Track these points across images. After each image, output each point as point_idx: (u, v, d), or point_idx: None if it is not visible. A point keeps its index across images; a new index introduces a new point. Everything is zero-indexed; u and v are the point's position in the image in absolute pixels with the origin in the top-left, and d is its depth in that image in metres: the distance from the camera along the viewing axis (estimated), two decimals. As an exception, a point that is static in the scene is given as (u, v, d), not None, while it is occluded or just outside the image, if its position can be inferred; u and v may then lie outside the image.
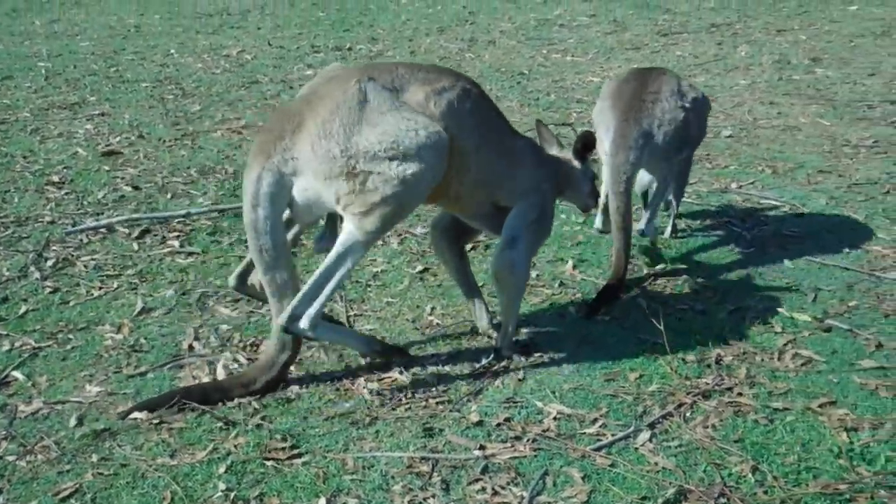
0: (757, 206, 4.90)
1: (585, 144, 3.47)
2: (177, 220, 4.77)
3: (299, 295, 3.06)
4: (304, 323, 3.06)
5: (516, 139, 3.37)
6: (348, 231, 3.02)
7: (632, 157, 4.00)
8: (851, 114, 6.51)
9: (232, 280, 3.46)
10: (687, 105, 4.13)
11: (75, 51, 8.73)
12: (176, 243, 4.50)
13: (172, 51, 8.69)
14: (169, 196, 5.08)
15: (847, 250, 4.35)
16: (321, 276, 3.05)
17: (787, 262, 4.23)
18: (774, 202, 4.97)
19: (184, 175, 5.39)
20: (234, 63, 8.17)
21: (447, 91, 3.09)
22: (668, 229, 4.59)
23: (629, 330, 3.68)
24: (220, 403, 3.17)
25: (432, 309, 3.85)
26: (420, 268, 4.21)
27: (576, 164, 3.52)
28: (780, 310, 3.78)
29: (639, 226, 4.24)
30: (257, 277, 3.25)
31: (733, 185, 5.21)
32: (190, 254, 4.40)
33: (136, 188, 5.18)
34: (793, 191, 5.09)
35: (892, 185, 5.14)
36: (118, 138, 6.06)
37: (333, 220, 3.26)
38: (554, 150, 3.56)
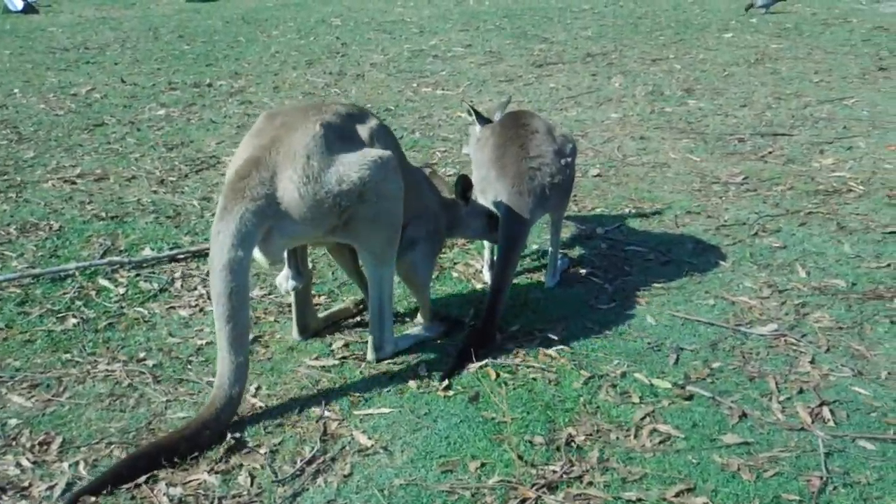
0: (621, 254, 4.60)
1: (464, 187, 3.95)
2: (-21, 290, 4.18)
3: (371, 329, 3.56)
4: (388, 347, 3.58)
5: (416, 170, 3.89)
6: (367, 262, 3.44)
7: (527, 226, 4.07)
8: (722, 148, 6.30)
9: (296, 335, 3.78)
10: (568, 160, 4.22)
11: None
12: (-27, 318, 3.93)
13: (16, 90, 8.07)
14: (-21, 260, 4.50)
15: (712, 302, 4.07)
16: (375, 307, 3.50)
17: (649, 319, 3.92)
18: (640, 248, 4.65)
19: (1, 233, 4.81)
20: (82, 103, 7.59)
21: (375, 126, 3.44)
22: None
23: (473, 405, 3.31)
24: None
25: (256, 390, 3.39)
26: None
27: (462, 207, 3.98)
28: (638, 376, 3.47)
29: (547, 283, 4.34)
30: (313, 322, 3.79)
31: (598, 231, 4.91)
32: (-10, 330, 3.83)
33: (-60, 252, 4.58)
34: (660, 235, 4.81)
35: (760, 225, 4.91)
36: (-66, 192, 5.42)
37: (294, 257, 3.56)
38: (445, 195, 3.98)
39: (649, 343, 3.72)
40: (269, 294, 4.22)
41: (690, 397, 3.33)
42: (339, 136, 3.23)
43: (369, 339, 3.61)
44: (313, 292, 4.07)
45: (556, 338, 3.79)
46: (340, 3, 13.41)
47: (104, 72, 8.85)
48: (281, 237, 3.20)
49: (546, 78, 8.53)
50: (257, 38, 10.76)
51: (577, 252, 4.67)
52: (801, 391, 3.38)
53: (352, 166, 3.18)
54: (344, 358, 3.64)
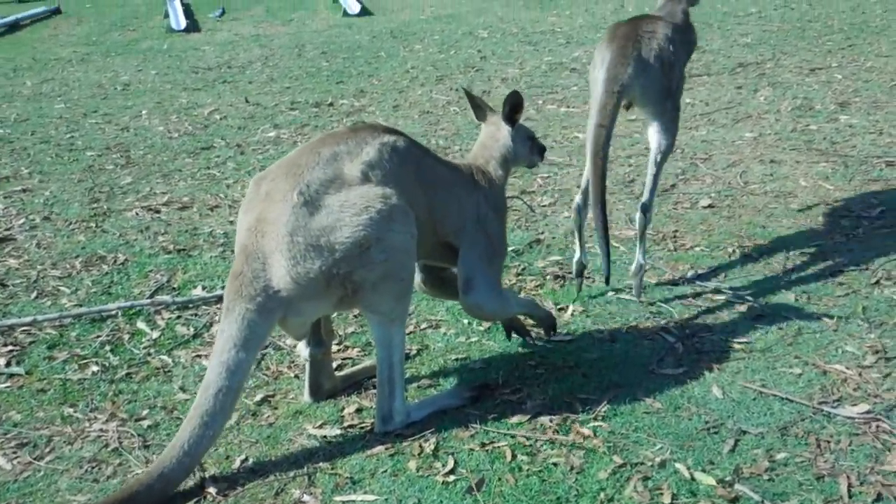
0: (708, 305, 3.99)
1: (513, 106, 3.47)
2: (21, 329, 4.06)
3: (378, 397, 3.14)
4: (398, 418, 3.15)
5: (449, 171, 3.40)
6: (374, 320, 3.08)
7: (625, 77, 3.99)
8: (864, 174, 5.50)
9: (307, 397, 3.44)
10: (677, 48, 4.15)
11: (45, 114, 8.24)
12: (1, 361, 3.79)
13: (144, 111, 8.14)
14: (34, 295, 4.44)
15: (799, 371, 3.41)
16: (384, 372, 3.11)
17: (715, 391, 3.31)
18: (732, 298, 4.01)
19: (66, 266, 4.76)
20: (199, 125, 7.56)
21: (375, 152, 3.06)
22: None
23: (471, 496, 2.87)
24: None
25: (242, 462, 3.05)
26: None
27: (506, 130, 3.54)
28: (680, 466, 2.91)
29: (643, 199, 4.21)
30: (328, 382, 3.44)
31: (689, 274, 4.28)
32: (11, 376, 3.69)
33: (2, 286, 4.51)
34: (760, 281, 4.17)
35: (885, 272, 4.17)
36: (22, 220, 5.47)
37: (317, 323, 3.28)
38: (486, 117, 3.59)
39: (706, 423, 3.13)
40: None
41: (735, 500, 2.72)
42: (325, 190, 2.93)
43: (376, 407, 3.20)
44: (347, 343, 3.81)
45: (597, 411, 3.23)
46: (494, 14, 13.03)
47: (235, 91, 8.83)
48: (296, 317, 3.00)
49: (686, 92, 7.79)
50: (398, 52, 10.53)
51: (656, 299, 4.06)
52: (878, 498, 2.68)
53: (344, 230, 2.90)
54: (351, 426, 3.25)
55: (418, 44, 11.05)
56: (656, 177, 4.24)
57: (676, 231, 4.82)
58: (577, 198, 4.31)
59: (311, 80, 9.26)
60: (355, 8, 13.88)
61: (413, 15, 13.48)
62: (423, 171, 3.22)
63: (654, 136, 4.20)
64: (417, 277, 3.52)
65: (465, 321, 3.97)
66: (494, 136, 3.56)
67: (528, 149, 3.62)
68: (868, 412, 3.13)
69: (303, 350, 3.34)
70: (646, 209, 4.19)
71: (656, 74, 4.08)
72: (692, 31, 4.53)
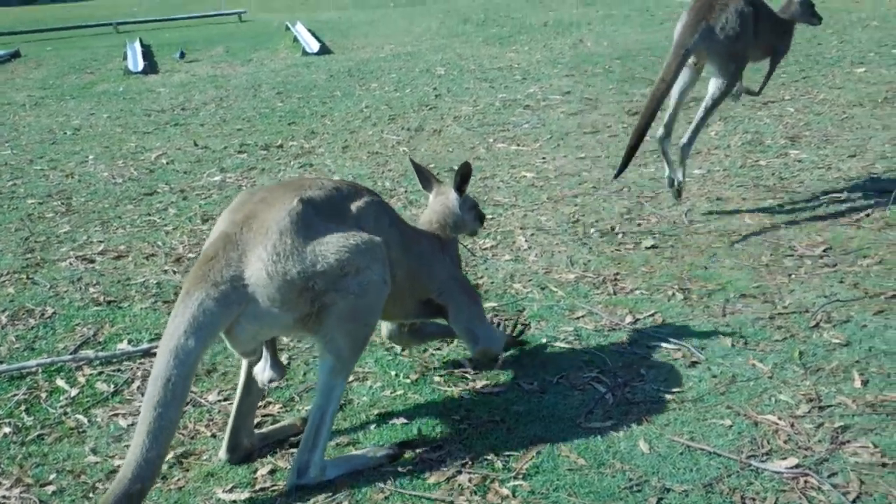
0: (642, 352, 3.89)
1: (463, 176, 3.71)
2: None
3: (301, 446, 3.04)
4: (313, 472, 3.04)
5: (421, 234, 3.60)
6: (326, 363, 3.00)
7: (689, 43, 5.24)
8: (811, 210, 5.45)
9: (223, 455, 3.27)
10: (742, 21, 5.28)
11: (-10, 161, 8.05)
12: None
13: (90, 157, 8.00)
14: (-49, 354, 4.22)
15: (729, 422, 3.30)
16: (315, 421, 3.03)
17: (642, 445, 3.19)
18: (668, 345, 3.90)
19: (-10, 321, 4.55)
20: (145, 169, 7.43)
21: (365, 205, 3.16)
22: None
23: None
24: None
25: None
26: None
27: (454, 198, 3.75)
28: (596, 530, 2.72)
29: (682, 140, 5.50)
30: (247, 440, 3.28)
31: (628, 319, 4.16)
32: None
33: (-79, 344, 4.35)
34: (698, 326, 4.06)
35: (825, 314, 4.05)
36: (-49, 274, 5.26)
37: (273, 348, 3.19)
38: (433, 188, 3.82)
39: (630, 480, 3.01)
40: (225, 400, 3.71)
41: (654, 565, 2.57)
42: (321, 212, 2.98)
43: (295, 457, 3.09)
44: (270, 398, 3.65)
45: (519, 469, 3.14)
46: (453, 51, 13.00)
47: (186, 134, 8.71)
48: (249, 323, 2.89)
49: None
50: (354, 91, 10.45)
51: (591, 346, 3.94)
52: (801, 563, 2.56)
53: (330, 247, 2.89)
54: (263, 489, 3.11)
55: (375, 82, 10.97)
56: (702, 121, 5.52)
57: (617, 274, 4.72)
58: (659, 131, 5.59)
59: (264, 122, 9.15)
60: (314, 47, 13.84)
61: (373, 53, 13.44)
62: (398, 234, 3.33)
63: (711, 86, 5.45)
64: (386, 330, 3.78)
65: (393, 373, 3.85)
66: (445, 204, 3.75)
67: (473, 217, 3.81)
68: (797, 466, 3.02)
69: (259, 375, 3.21)
70: (685, 146, 5.50)
71: (719, 42, 5.25)
72: (781, 27, 5.82)
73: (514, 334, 4.02)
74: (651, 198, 5.90)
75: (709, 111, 5.47)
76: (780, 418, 3.31)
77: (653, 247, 5.07)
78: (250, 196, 3.09)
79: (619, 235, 5.28)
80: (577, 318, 4.26)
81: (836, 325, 4.00)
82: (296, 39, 14.97)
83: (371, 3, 22.37)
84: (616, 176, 5.44)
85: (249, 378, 3.24)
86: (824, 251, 4.82)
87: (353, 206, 3.13)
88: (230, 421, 3.28)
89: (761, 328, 4.03)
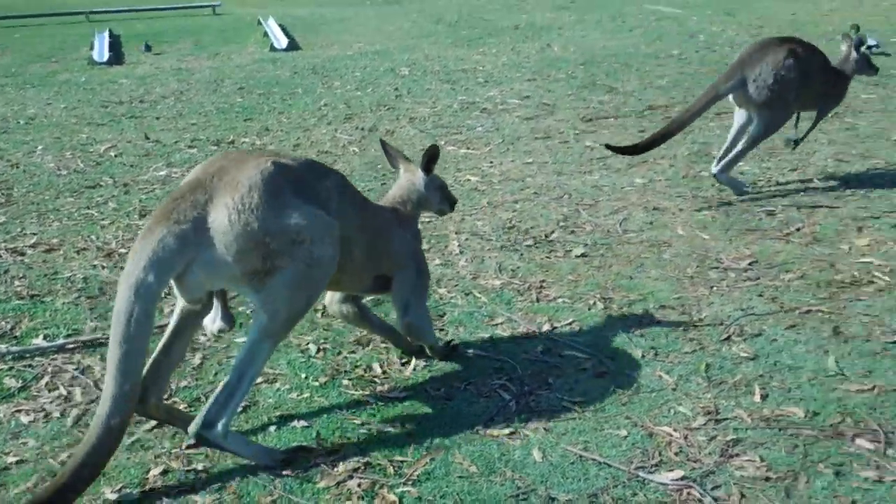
0: (553, 361, 3.95)
1: (430, 157, 3.89)
2: None
3: (212, 399, 3.07)
4: (219, 429, 3.07)
5: (381, 211, 3.74)
6: (259, 324, 3.07)
7: (727, 85, 5.93)
8: (743, 223, 5.46)
9: None
10: (781, 73, 5.79)
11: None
12: None
13: (39, 147, 7.95)
14: None
15: (625, 433, 3.35)
16: (233, 379, 3.08)
17: (535, 454, 3.25)
18: (579, 354, 3.93)
19: None
20: (92, 162, 7.40)
21: (331, 182, 3.30)
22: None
23: None
24: None
25: None
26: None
27: (421, 177, 3.92)
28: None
29: (713, 169, 6.11)
30: (155, 396, 3.26)
31: (546, 328, 4.20)
32: None
33: None
34: (613, 337, 4.11)
35: (738, 327, 4.10)
36: None
37: (223, 299, 3.28)
38: (402, 167, 4.00)
39: (518, 488, 3.05)
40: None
41: (526, 575, 2.59)
42: (289, 180, 3.10)
43: (204, 407, 3.13)
44: (177, 398, 3.71)
45: (410, 475, 3.19)
46: (421, 51, 12.99)
47: (139, 127, 8.68)
48: (201, 270, 2.98)
49: (588, 135, 7.82)
50: (315, 89, 10.44)
51: (504, 353, 3.98)
52: (671, 575, 2.59)
53: (292, 212, 3.02)
54: (153, 489, 3.09)
55: (338, 80, 10.96)
56: (739, 154, 6.06)
57: (544, 281, 4.75)
58: (713, 168, 6.17)
59: (221, 117, 9.13)
60: (283, 42, 13.81)
61: (340, 51, 13.42)
62: (359, 209, 3.49)
63: (752, 127, 6.00)
64: (335, 305, 3.91)
65: (303, 375, 3.86)
66: (412, 181, 3.93)
67: (440, 197, 3.98)
68: (682, 478, 3.05)
69: (209, 325, 3.31)
70: (718, 174, 6.10)
71: (755, 93, 5.87)
72: (833, 79, 6.20)
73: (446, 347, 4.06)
74: (590, 206, 5.93)
75: (746, 149, 6.02)
76: (675, 430, 3.34)
77: (583, 255, 5.09)
78: (226, 155, 3.20)
79: (552, 243, 5.28)
80: (496, 325, 4.28)
81: (747, 338, 4.04)
82: (266, 34, 14.92)
83: (348, 1, 22.32)
84: (614, 149, 6.17)
85: (175, 335, 3.29)
86: (749, 264, 4.86)
87: (320, 182, 3.25)
88: (147, 366, 3.21)
89: (674, 340, 4.06)
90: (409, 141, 7.85)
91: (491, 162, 7.09)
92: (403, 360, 3.99)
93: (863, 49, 6.28)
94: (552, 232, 5.48)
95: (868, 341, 3.95)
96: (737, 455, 3.19)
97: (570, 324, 4.28)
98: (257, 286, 3.04)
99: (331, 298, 3.91)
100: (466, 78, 10.81)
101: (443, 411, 3.56)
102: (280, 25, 15.21)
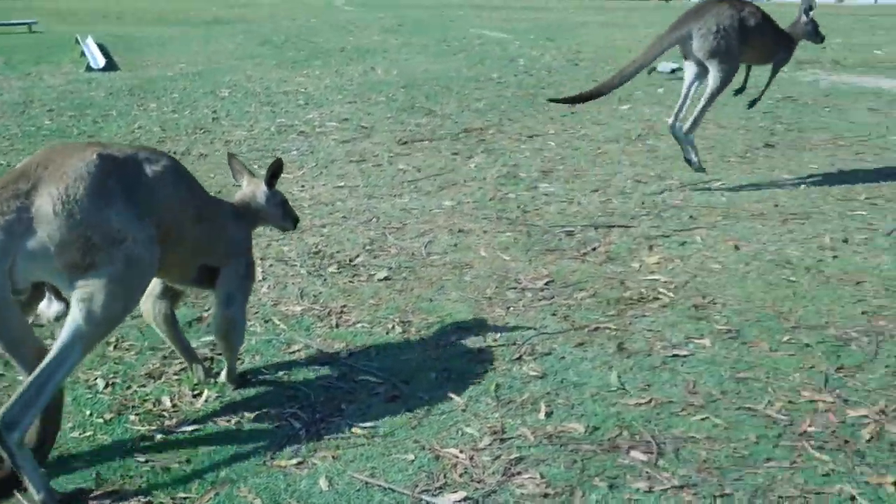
0: (348, 386, 4.00)
1: (274, 173, 3.90)
2: None
3: (15, 398, 2.91)
4: (17, 435, 2.90)
5: (218, 204, 3.75)
6: (72, 324, 2.98)
7: (671, 36, 6.61)
8: (544, 244, 5.62)
9: None
10: (723, 24, 6.49)
11: None
12: None
13: None
14: None
15: (412, 457, 3.41)
16: (39, 376, 2.94)
17: (321, 483, 3.26)
18: (374, 378, 3.95)
19: None
20: None
21: (163, 169, 3.24)
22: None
23: None
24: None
25: None
26: None
27: (263, 191, 3.92)
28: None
29: (684, 128, 6.78)
30: None
31: (343, 354, 4.20)
32: None
33: None
34: (408, 360, 4.16)
35: (530, 346, 4.25)
36: None
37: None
38: (245, 181, 3.98)
39: (294, 520, 2.97)
40: None
41: None
42: (118, 172, 3.06)
43: (5, 406, 2.94)
44: None
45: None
46: (243, 73, 12.85)
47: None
48: (22, 261, 2.90)
49: (402, 158, 7.90)
50: (131, 111, 10.17)
51: (299, 380, 3.97)
52: None
53: (117, 209, 3.00)
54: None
55: (154, 102, 10.71)
56: (701, 112, 6.72)
57: (345, 306, 4.76)
58: (670, 119, 6.91)
59: (26, 141, 8.76)
60: (101, 62, 13.38)
61: (161, 71, 13.13)
62: (193, 198, 3.44)
63: (708, 81, 6.66)
64: (155, 307, 3.81)
65: (87, 412, 3.75)
66: (254, 192, 3.94)
67: (281, 213, 3.99)
68: (465, 499, 3.11)
69: (45, 309, 3.27)
70: (686, 134, 6.80)
71: (700, 43, 6.54)
72: (779, 37, 7.03)
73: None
74: (397, 229, 5.99)
75: (707, 103, 6.65)
76: (461, 451, 3.40)
77: (386, 279, 5.13)
78: (51, 148, 3.12)
79: (356, 267, 5.30)
80: (293, 352, 4.27)
81: (538, 357, 4.16)
82: (83, 54, 14.42)
83: (174, 20, 21.86)
84: (558, 101, 7.09)
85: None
86: (546, 284, 5.00)
87: (151, 170, 3.19)
88: None
89: (468, 361, 4.14)
90: (222, 165, 7.74)
91: (302, 186, 7.07)
92: (195, 392, 3.90)
93: (811, 14, 7.06)
94: (357, 256, 5.50)
95: (649, 356, 4.12)
96: (518, 473, 3.26)
97: (367, 348, 4.30)
98: (75, 282, 2.98)
99: (150, 290, 3.75)
100: (287, 100, 10.76)
101: (232, 443, 3.51)
102: (99, 45, 14.76)
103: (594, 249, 5.56)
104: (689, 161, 6.92)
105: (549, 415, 3.66)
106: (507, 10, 25.18)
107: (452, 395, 3.84)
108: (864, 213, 6.17)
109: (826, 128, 9.06)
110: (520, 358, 4.16)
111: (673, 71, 11.58)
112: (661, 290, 4.88)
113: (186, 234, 3.39)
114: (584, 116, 9.53)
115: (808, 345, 4.21)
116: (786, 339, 4.27)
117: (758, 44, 6.74)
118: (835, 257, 5.32)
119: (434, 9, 24.89)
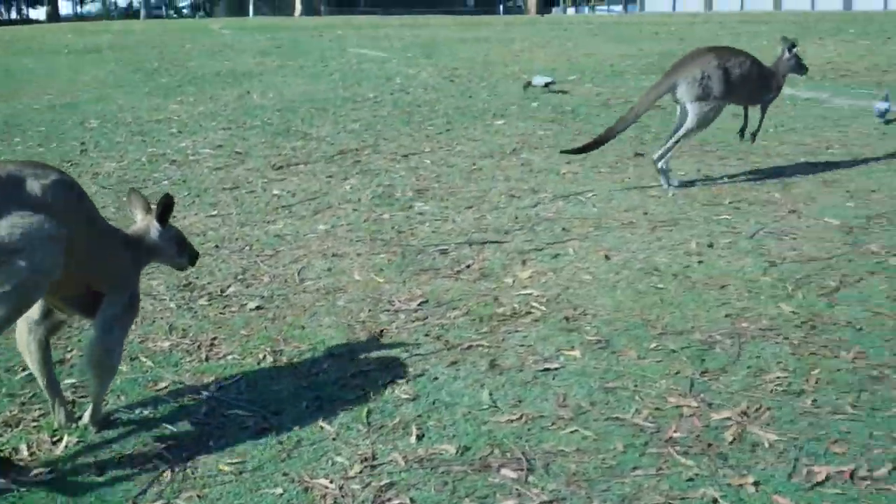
0: (218, 421, 3.92)
1: (165, 208, 3.80)
2: None
3: None
4: None
5: (113, 230, 3.72)
6: None
7: (661, 86, 7.11)
8: (418, 263, 5.61)
9: None
10: (707, 75, 6.96)
11: None
12: None
13: None
14: None
15: (281, 491, 3.37)
16: None
17: (184, 524, 3.05)
18: (244, 412, 3.91)
19: None
20: None
21: (53, 184, 3.20)
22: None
23: None
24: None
25: None
26: None
27: (156, 228, 3.81)
28: None
29: (654, 156, 7.17)
30: None
31: (213, 387, 4.10)
32: None
33: None
34: (279, 390, 4.14)
35: (402, 368, 4.17)
36: None
37: None
38: (140, 215, 3.87)
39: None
40: None
41: None
42: (11, 184, 3.11)
43: None
44: None
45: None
46: (114, 102, 12.53)
47: None
48: None
49: (276, 183, 7.81)
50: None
51: (166, 418, 3.85)
52: None
53: (6, 218, 3.05)
54: None
55: (19, 136, 10.37)
56: (674, 144, 7.16)
57: (215, 338, 4.67)
58: (655, 154, 7.28)
59: None
60: (-39, 96, 12.88)
61: (27, 103, 12.70)
62: (87, 218, 3.43)
63: (687, 121, 7.07)
64: (32, 332, 3.65)
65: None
66: (146, 228, 3.84)
67: (176, 250, 3.91)
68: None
69: None
70: (656, 161, 7.19)
71: (687, 93, 7.00)
72: (765, 77, 7.41)
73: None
74: (270, 256, 5.91)
75: (680, 139, 7.13)
76: (331, 481, 3.36)
77: (258, 308, 5.05)
78: None
79: (227, 298, 5.21)
80: (160, 389, 4.16)
81: (410, 379, 4.14)
82: (-58, 87, 13.88)
83: (42, 49, 21.23)
84: (569, 152, 7.62)
85: None
86: (420, 304, 4.99)
87: (40, 184, 3.17)
88: None
89: (340, 388, 4.10)
90: (92, 196, 7.48)
91: (174, 216, 6.87)
92: (55, 438, 3.76)
93: (794, 51, 7.44)
94: (229, 286, 5.40)
95: (521, 371, 4.15)
96: (389, 500, 3.24)
97: (237, 381, 4.23)
98: None
99: (29, 314, 3.61)
100: (159, 129, 10.55)
101: (93, 490, 3.40)
102: (-42, 77, 14.20)
103: (468, 267, 5.57)
104: (663, 186, 7.22)
105: (420, 438, 3.64)
106: (386, 28, 25.26)
107: (323, 424, 3.79)
108: (728, 217, 6.33)
109: (693, 135, 9.30)
110: (392, 381, 4.14)
111: (546, 85, 11.76)
112: (533, 304, 4.92)
113: (77, 246, 3.31)
114: (459, 133, 9.61)
115: (674, 350, 4.27)
116: (653, 346, 4.34)
117: (744, 90, 7.14)
118: (700, 262, 5.43)
119: (312, 30, 24.80)
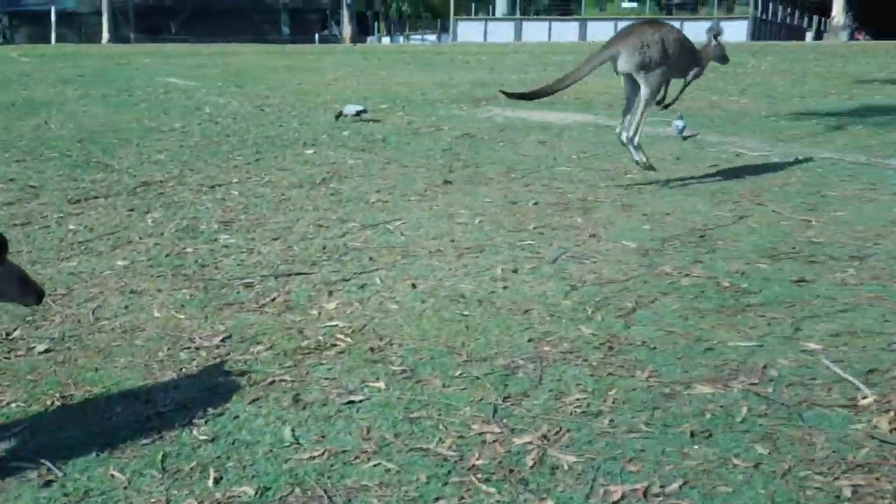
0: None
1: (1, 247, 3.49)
2: None
3: None
4: None
5: None
6: None
7: (601, 55, 7.69)
8: (222, 297, 5.45)
9: None
10: (647, 43, 7.47)
11: None
12: None
13: None
14: None
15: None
16: None
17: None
18: (26, 464, 3.62)
19: None
20: None
21: None
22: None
23: None
24: None
25: None
26: None
27: None
28: None
29: (626, 134, 7.92)
30: None
31: (-8, 439, 3.76)
32: None
33: None
34: (69, 437, 3.92)
35: (201, 409, 3.98)
36: None
37: None
38: None
39: None
40: None
41: None
42: None
43: None
44: None
45: None
46: None
47: None
48: None
49: (73, 217, 7.43)
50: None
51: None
52: None
53: None
54: None
55: None
56: (640, 117, 7.78)
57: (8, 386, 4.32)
58: (617, 128, 8.04)
59: None
60: None
61: None
62: None
63: (640, 93, 7.64)
64: None
65: None
66: None
67: (18, 289, 3.68)
68: (120, 587, 2.84)
69: None
70: (629, 139, 7.87)
71: (635, 61, 7.48)
72: (694, 55, 8.02)
73: None
74: (63, 295, 5.61)
75: (643, 110, 7.67)
76: (119, 533, 3.14)
77: (47, 351, 4.77)
78: None
79: (14, 342, 4.90)
80: None
81: (209, 419, 3.98)
82: None
83: None
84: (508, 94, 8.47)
85: None
86: (222, 340, 4.84)
87: None
88: None
89: (134, 432, 3.90)
90: None
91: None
92: None
93: (719, 39, 8.03)
94: (15, 329, 5.09)
95: (325, 405, 4.07)
96: (178, 549, 3.06)
97: (21, 431, 3.94)
98: None
99: None
100: None
101: None
102: None
103: (273, 300, 5.46)
104: (636, 162, 7.99)
105: (217, 480, 3.51)
106: (197, 56, 24.76)
107: (115, 472, 3.61)
108: (532, 242, 6.48)
109: (500, 162, 9.54)
110: (190, 422, 3.98)
111: (358, 114, 11.77)
112: (339, 335, 4.87)
113: None
114: (268, 163, 9.47)
115: (478, 377, 4.30)
116: (458, 373, 4.36)
117: (675, 60, 7.66)
118: (505, 288, 5.52)
119: (118, 58, 24.02)
